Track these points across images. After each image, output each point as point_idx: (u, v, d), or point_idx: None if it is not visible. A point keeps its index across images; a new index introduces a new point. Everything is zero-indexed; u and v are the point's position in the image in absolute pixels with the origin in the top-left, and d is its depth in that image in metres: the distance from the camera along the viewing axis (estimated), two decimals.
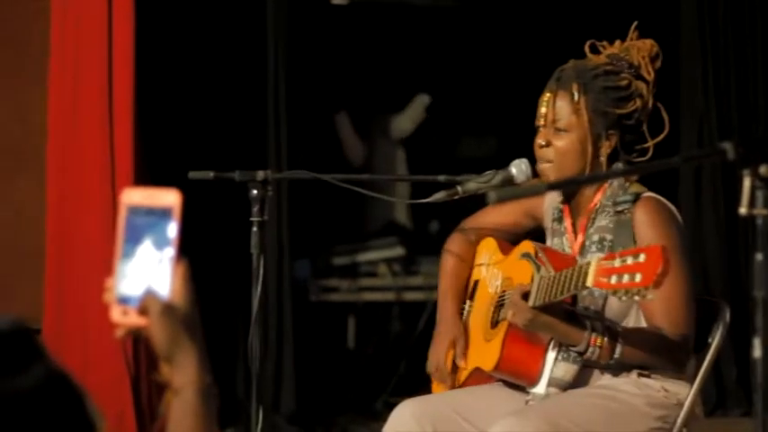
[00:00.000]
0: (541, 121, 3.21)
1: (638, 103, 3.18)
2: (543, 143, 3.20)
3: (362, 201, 3.54)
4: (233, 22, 5.85)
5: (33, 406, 1.30)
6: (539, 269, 3.08)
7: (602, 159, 3.17)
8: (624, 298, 2.73)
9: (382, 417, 5.96)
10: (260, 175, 3.35)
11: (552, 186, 2.73)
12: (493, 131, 7.79)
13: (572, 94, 3.16)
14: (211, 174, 3.45)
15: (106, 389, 5.29)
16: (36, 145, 5.39)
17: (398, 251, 6.80)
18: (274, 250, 5.74)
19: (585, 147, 3.16)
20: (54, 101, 5.33)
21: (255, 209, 3.35)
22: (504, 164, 3.30)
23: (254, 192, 3.34)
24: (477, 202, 3.30)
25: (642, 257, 2.65)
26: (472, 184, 3.25)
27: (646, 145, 3.21)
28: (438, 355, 3.42)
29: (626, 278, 2.67)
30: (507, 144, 6.72)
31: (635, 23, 3.27)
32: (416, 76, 7.73)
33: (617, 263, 2.71)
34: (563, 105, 3.17)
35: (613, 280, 2.70)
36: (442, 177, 3.31)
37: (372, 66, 7.37)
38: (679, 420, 3.13)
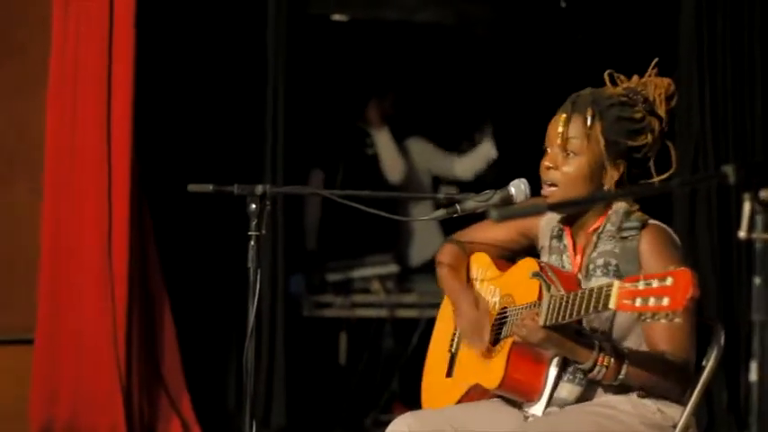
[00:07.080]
0: (553, 143, 3.19)
1: (649, 138, 3.18)
2: (551, 165, 3.18)
3: (363, 217, 3.52)
4: (233, 37, 5.86)
5: None
6: (549, 288, 3.06)
7: (607, 188, 3.16)
8: (649, 321, 2.72)
9: None
10: (259, 189, 3.34)
11: (553, 207, 2.73)
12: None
13: (585, 119, 3.15)
14: (210, 187, 3.43)
15: (99, 400, 5.28)
16: (33, 155, 5.39)
17: (392, 268, 6.81)
18: (269, 265, 5.74)
19: (593, 173, 3.15)
20: (52, 111, 5.33)
21: (253, 223, 3.34)
22: (503, 184, 3.31)
23: (253, 206, 3.34)
24: (475, 221, 3.31)
25: (669, 281, 2.62)
26: (471, 202, 3.25)
27: (650, 180, 3.19)
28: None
29: (652, 301, 2.64)
30: (505, 164, 6.73)
31: (655, 60, 3.23)
32: (414, 94, 7.74)
33: (641, 285, 2.68)
34: (576, 128, 3.16)
35: (638, 303, 2.68)
36: (441, 196, 3.33)
37: (373, 82, 7.36)
38: None
